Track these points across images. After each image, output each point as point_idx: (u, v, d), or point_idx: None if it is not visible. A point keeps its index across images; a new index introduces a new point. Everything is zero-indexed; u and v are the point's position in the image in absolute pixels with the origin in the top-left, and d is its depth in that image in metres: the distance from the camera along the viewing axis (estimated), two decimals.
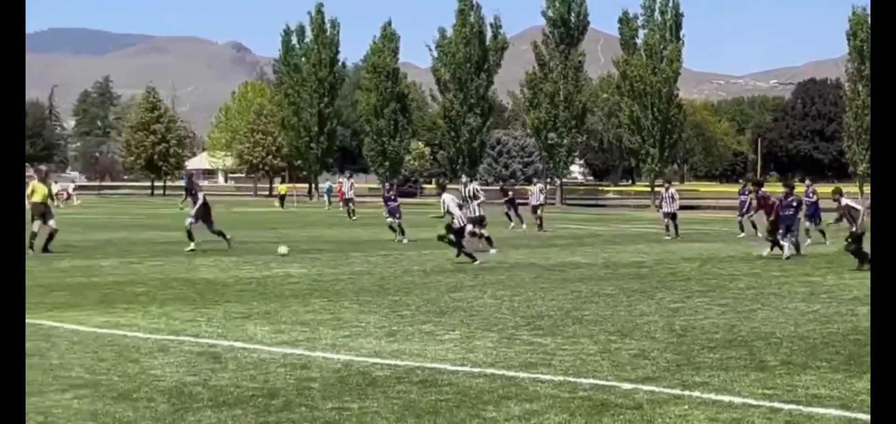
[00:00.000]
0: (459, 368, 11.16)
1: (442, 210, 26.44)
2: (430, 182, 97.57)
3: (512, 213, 46.58)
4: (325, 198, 79.22)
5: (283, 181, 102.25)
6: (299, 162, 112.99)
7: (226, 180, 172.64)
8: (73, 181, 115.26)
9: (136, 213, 64.02)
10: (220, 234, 29.68)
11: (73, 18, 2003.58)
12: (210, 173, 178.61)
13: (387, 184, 33.02)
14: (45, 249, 26.81)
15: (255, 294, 18.26)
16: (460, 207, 27.45)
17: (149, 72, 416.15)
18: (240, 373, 10.71)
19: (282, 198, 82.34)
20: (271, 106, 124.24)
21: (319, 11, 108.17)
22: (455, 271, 23.59)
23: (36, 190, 27.74)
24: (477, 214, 29.81)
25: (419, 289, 19.48)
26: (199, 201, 29.21)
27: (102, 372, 10.67)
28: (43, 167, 30.89)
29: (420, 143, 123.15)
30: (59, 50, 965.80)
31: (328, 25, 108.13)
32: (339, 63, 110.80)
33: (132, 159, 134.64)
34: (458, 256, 25.70)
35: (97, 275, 21.55)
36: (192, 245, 28.53)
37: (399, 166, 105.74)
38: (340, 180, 79.74)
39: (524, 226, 44.42)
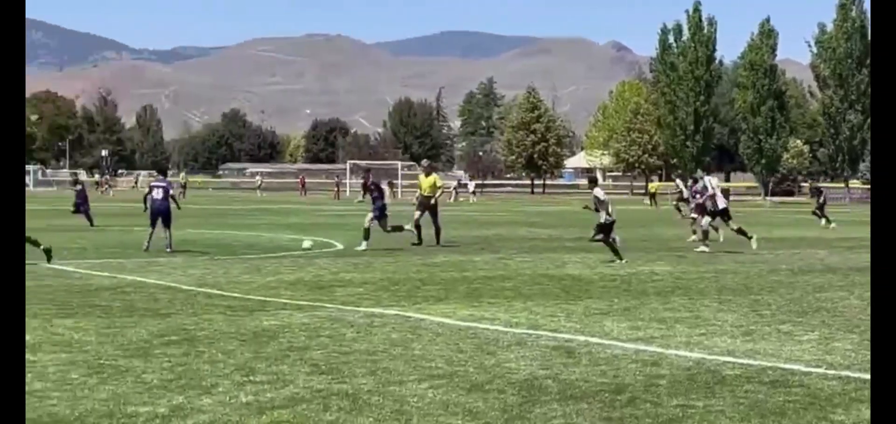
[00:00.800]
0: (813, 370, 10.85)
1: (592, 206, 25.04)
2: (807, 181, 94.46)
3: (820, 212, 46.02)
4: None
5: (660, 179, 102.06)
6: (675, 160, 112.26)
7: (603, 179, 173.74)
8: (460, 180, 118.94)
9: (515, 211, 65.59)
10: (396, 228, 29.56)
11: (462, 22, 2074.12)
12: (588, 171, 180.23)
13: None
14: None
15: (617, 291, 18.38)
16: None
17: (531, 73, 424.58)
18: (591, 368, 10.86)
19: (653, 196, 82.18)
20: (648, 105, 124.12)
21: (697, 9, 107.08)
22: (824, 271, 22.85)
23: (423, 183, 30.81)
24: (718, 207, 29.23)
25: (784, 288, 19.02)
26: (382, 199, 29.17)
27: (460, 364, 11.06)
28: (426, 162, 33.18)
29: (799, 141, 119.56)
30: (449, 53, 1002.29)
31: (705, 23, 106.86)
32: (716, 61, 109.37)
33: (513, 157, 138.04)
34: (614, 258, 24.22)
35: (468, 270, 22.26)
36: (365, 245, 27.46)
37: (776, 164, 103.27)
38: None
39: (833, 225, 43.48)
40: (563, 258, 25.73)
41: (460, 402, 9.25)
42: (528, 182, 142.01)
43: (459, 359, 11.31)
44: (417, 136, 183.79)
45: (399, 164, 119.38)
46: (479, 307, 15.83)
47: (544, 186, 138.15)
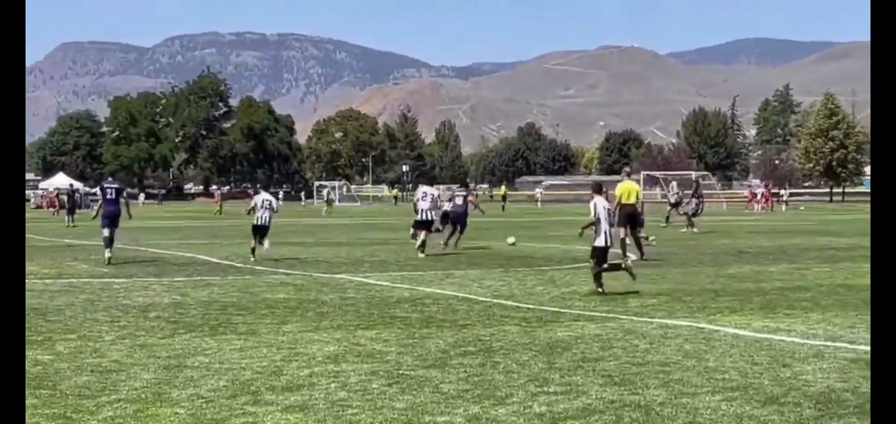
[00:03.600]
0: None
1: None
2: None
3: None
4: None
5: None
6: None
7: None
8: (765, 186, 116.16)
9: (816, 220, 63.65)
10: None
11: (757, 29, 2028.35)
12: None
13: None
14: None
15: None
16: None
17: (830, 78, 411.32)
18: None
19: None
20: None
21: None
22: None
23: (626, 191, 28.40)
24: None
25: None
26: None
27: (754, 376, 10.92)
28: (628, 169, 31.84)
29: None
30: (743, 60, 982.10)
31: None
32: None
33: (810, 165, 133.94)
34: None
35: (764, 281, 21.83)
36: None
37: None
38: None
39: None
40: (863, 268, 24.83)
41: (754, 415, 9.17)
42: (827, 191, 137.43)
43: (754, 371, 11.18)
44: (712, 145, 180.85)
45: (693, 174, 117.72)
46: (774, 318, 15.55)
47: (843, 194, 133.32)
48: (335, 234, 44.99)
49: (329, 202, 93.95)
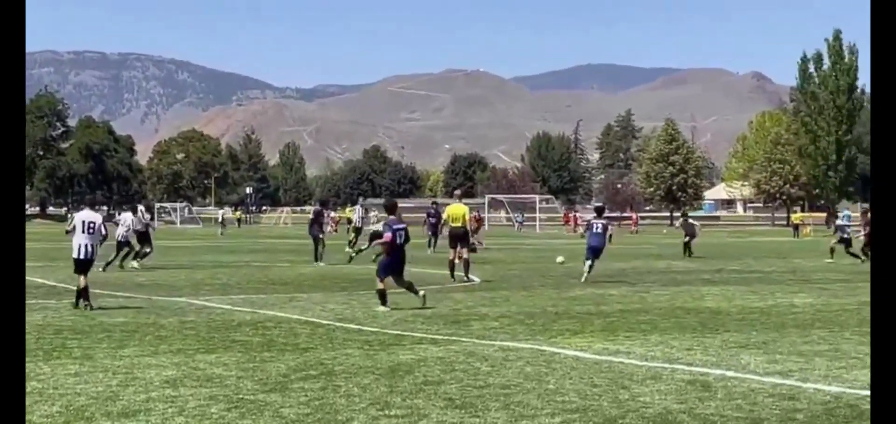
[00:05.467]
0: None
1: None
2: None
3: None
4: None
5: (803, 210, 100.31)
6: (817, 191, 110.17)
7: (744, 210, 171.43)
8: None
9: (652, 242, 65.00)
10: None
11: (600, 55, 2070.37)
12: (728, 203, 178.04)
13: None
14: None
15: (755, 324, 18.13)
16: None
17: (670, 104, 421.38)
18: (726, 402, 10.75)
19: (796, 227, 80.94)
20: (788, 135, 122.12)
21: (837, 38, 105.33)
22: None
23: (453, 214, 28.95)
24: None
25: None
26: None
27: (593, 398, 11.04)
28: (458, 192, 32.49)
29: None
30: (586, 86, 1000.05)
31: (846, 52, 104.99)
32: (859, 89, 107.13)
33: (652, 189, 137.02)
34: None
35: (605, 303, 22.14)
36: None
37: None
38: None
39: None
40: (700, 291, 25.47)
41: None
42: (667, 214, 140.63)
43: (593, 393, 11.30)
44: (555, 169, 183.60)
45: (537, 198, 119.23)
46: (614, 341, 15.77)
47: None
48: (176, 256, 44.24)
49: (223, 223, 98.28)
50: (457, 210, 29.19)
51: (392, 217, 21.25)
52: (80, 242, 21.00)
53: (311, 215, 40.34)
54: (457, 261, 28.36)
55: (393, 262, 20.63)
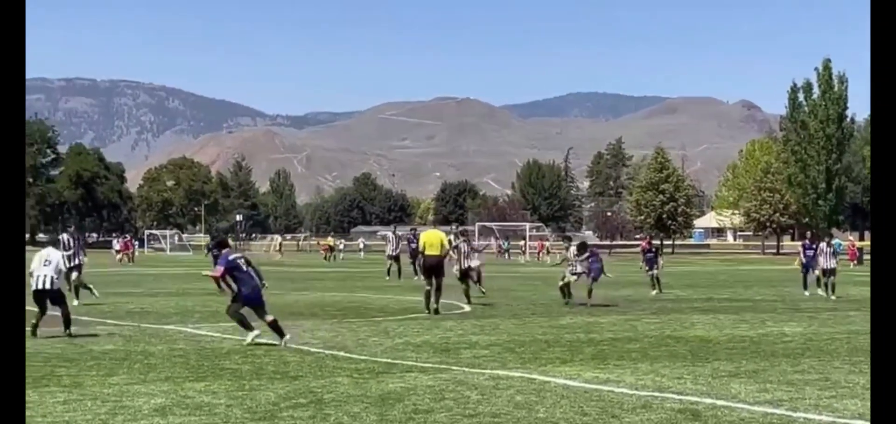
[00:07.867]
0: None
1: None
2: None
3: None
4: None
5: (793, 239, 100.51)
6: (807, 219, 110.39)
7: (734, 239, 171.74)
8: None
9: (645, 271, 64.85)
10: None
11: (590, 83, 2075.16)
12: (718, 232, 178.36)
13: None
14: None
15: (745, 353, 18.13)
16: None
17: (660, 133, 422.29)
18: None
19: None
20: (778, 163, 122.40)
21: (827, 67, 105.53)
22: None
23: (429, 241, 27.35)
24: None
25: None
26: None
27: None
28: (431, 217, 32.44)
29: None
30: (577, 114, 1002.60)
31: (836, 81, 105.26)
32: (848, 118, 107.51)
33: (642, 217, 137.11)
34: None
35: (595, 332, 22.11)
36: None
37: None
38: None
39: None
40: (691, 319, 25.47)
41: None
42: (657, 243, 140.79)
43: (583, 422, 11.29)
44: (545, 197, 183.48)
45: (527, 225, 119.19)
46: (604, 369, 15.76)
47: (673, 246, 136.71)
48: (165, 284, 44.15)
49: (209, 249, 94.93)
50: (432, 237, 27.19)
51: (226, 250, 20.59)
52: (39, 273, 20.31)
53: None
54: (433, 293, 26.13)
55: (250, 295, 19.67)
